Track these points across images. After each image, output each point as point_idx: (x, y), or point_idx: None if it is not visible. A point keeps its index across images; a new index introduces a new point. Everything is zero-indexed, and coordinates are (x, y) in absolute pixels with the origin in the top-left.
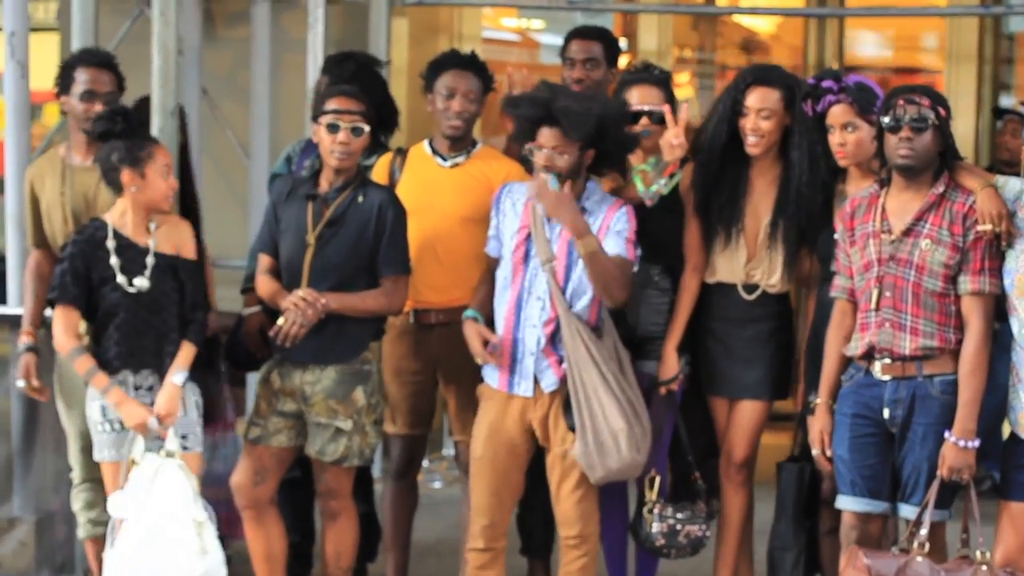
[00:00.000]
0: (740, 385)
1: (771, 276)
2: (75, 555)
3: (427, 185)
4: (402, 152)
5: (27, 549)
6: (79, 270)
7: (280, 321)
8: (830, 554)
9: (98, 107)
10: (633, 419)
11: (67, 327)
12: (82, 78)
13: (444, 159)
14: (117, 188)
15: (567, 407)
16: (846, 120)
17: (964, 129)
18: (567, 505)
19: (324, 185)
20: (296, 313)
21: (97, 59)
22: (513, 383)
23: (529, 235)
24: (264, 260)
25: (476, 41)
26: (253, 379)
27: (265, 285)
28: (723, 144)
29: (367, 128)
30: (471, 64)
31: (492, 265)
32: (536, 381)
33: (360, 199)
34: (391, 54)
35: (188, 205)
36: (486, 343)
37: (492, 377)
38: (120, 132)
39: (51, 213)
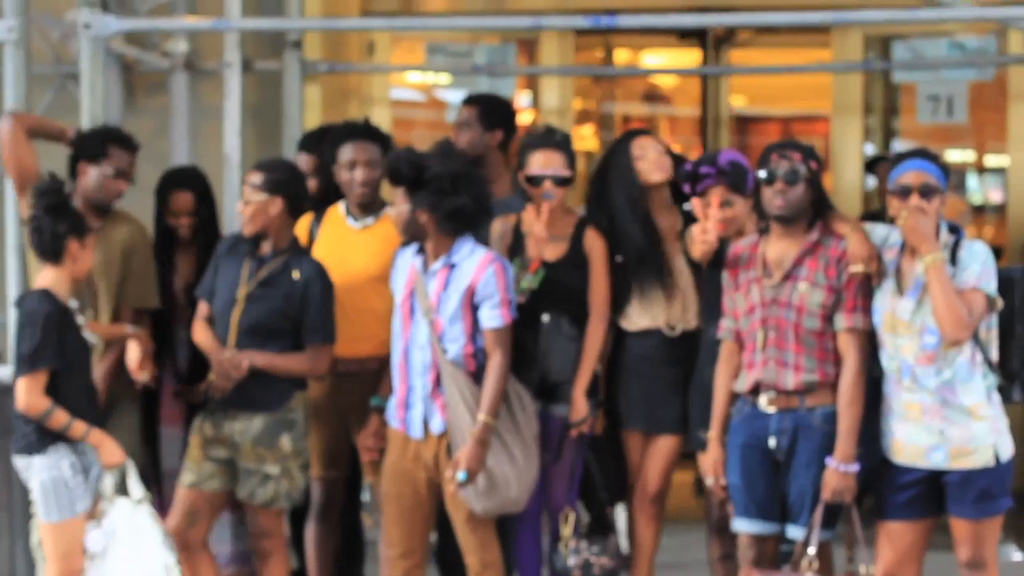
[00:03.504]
0: (657, 420)
1: (688, 313)
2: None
3: (339, 245)
4: (317, 213)
5: None
6: (55, 335)
7: (211, 376)
8: None
9: (122, 186)
10: (504, 460)
11: (40, 390)
12: (116, 155)
13: (355, 220)
14: (56, 256)
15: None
16: (723, 199)
17: (851, 177)
18: (464, 535)
19: (263, 247)
20: (222, 373)
21: (132, 144)
22: (408, 426)
23: (414, 289)
24: (202, 307)
25: (385, 103)
26: None
27: (200, 333)
28: (624, 196)
29: (253, 199)
30: (366, 133)
31: None
32: (426, 424)
33: (295, 275)
34: (304, 119)
35: None
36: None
37: (392, 419)
38: (62, 203)
39: None
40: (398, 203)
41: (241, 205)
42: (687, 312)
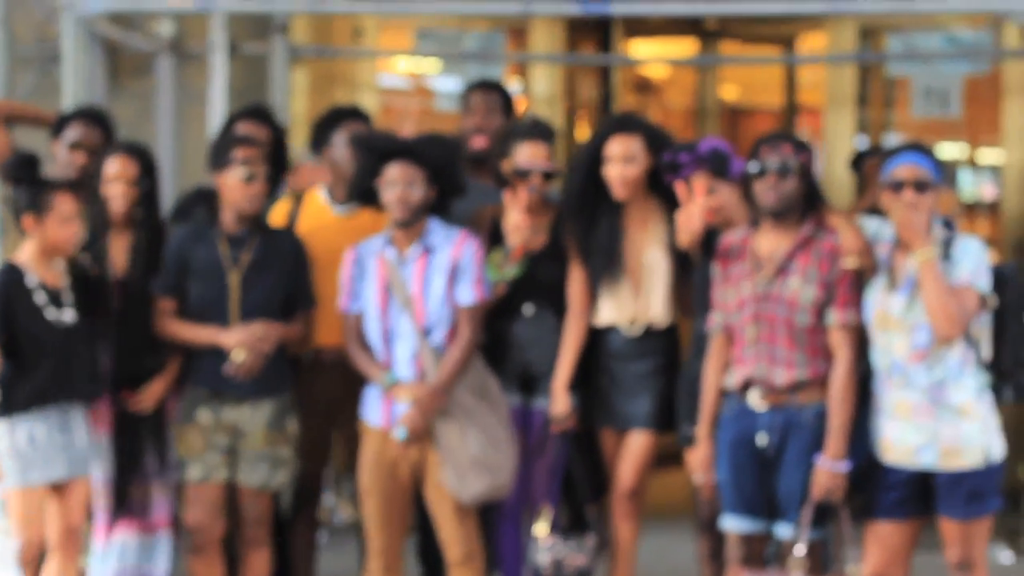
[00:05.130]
0: (628, 417)
1: (653, 311)
2: None
3: (323, 232)
4: (298, 199)
5: None
6: (4, 312)
7: (236, 357)
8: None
9: (80, 158)
10: (488, 445)
11: None
12: (74, 127)
13: (340, 206)
14: (21, 230)
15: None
16: (707, 187)
17: (843, 170)
18: (448, 528)
19: (231, 227)
20: (255, 349)
21: (99, 120)
22: (393, 419)
23: (387, 282)
24: (168, 304)
25: (372, 90)
26: None
27: (186, 328)
28: (587, 192)
29: (262, 173)
30: (358, 115)
31: (352, 325)
32: None
33: (279, 239)
34: (291, 104)
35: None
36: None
37: (374, 415)
38: (29, 178)
39: None
40: (404, 183)
41: (259, 184)
42: (652, 308)
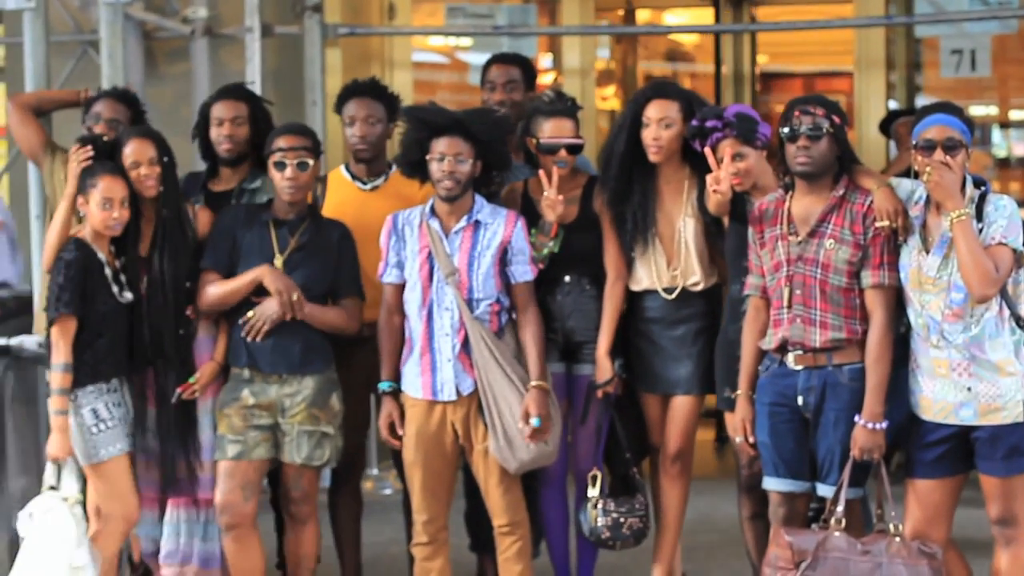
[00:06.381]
0: (671, 381)
1: (690, 276)
2: None
3: (351, 209)
4: (322, 179)
5: (1, 566)
6: (75, 281)
7: (250, 314)
8: (753, 537)
9: (101, 130)
10: None
11: (63, 338)
12: (99, 104)
13: (364, 183)
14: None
15: (481, 407)
16: (734, 151)
17: (875, 132)
18: (495, 497)
19: (282, 214)
20: (284, 292)
21: (124, 98)
22: (436, 390)
23: (430, 253)
24: (211, 277)
25: (407, 66)
26: None
27: (227, 282)
28: (624, 156)
29: (312, 162)
30: (369, 90)
31: (389, 295)
32: (456, 385)
33: (328, 228)
34: (325, 83)
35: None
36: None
37: (414, 387)
38: (93, 158)
39: None
40: (453, 157)
41: (292, 171)
42: (689, 273)
